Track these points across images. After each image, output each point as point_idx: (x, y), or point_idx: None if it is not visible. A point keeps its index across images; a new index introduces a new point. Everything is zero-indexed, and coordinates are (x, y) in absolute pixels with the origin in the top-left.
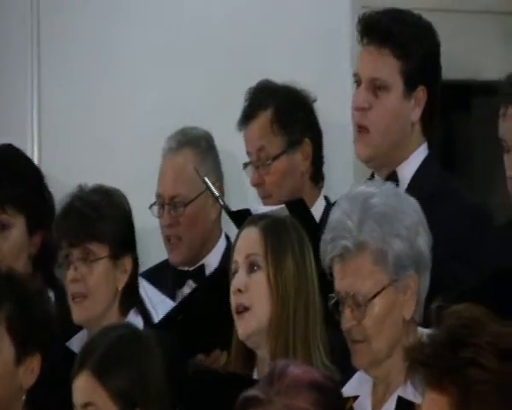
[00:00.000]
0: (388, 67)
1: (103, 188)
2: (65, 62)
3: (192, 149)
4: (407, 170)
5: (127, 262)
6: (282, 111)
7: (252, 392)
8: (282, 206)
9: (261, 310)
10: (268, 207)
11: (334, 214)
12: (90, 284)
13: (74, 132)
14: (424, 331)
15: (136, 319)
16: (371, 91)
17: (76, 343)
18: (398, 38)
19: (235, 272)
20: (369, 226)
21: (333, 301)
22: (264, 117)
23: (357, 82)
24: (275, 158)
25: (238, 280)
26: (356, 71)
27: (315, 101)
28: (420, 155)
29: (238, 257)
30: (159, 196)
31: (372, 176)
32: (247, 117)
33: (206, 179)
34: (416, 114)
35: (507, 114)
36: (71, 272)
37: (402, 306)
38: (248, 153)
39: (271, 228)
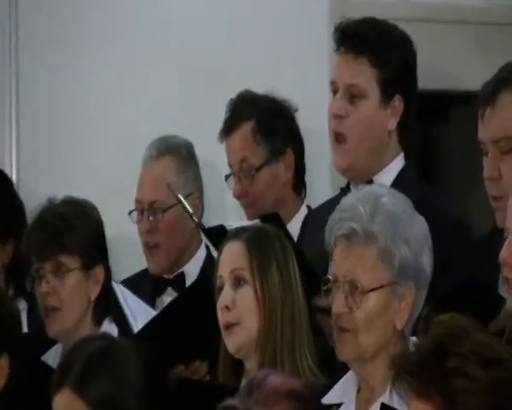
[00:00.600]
0: (365, 75)
1: (73, 199)
2: (43, 71)
3: (173, 156)
4: (384, 180)
5: (99, 272)
6: (264, 122)
7: (230, 402)
8: (257, 221)
9: (250, 324)
10: (242, 222)
11: (347, 200)
12: (62, 296)
13: (52, 142)
14: (413, 340)
15: (110, 328)
16: (348, 99)
17: (51, 357)
18: (375, 47)
19: (221, 287)
20: (381, 220)
21: (326, 287)
22: (246, 128)
23: (334, 90)
24: (258, 169)
25: (225, 297)
26: (333, 79)
27: (296, 110)
28: (397, 165)
29: (223, 272)
30: (138, 201)
31: (348, 186)
32: (228, 128)
33: (180, 196)
34: (393, 123)
35: (483, 117)
36: (43, 286)
37: (395, 313)
38: (230, 164)
39: (255, 240)
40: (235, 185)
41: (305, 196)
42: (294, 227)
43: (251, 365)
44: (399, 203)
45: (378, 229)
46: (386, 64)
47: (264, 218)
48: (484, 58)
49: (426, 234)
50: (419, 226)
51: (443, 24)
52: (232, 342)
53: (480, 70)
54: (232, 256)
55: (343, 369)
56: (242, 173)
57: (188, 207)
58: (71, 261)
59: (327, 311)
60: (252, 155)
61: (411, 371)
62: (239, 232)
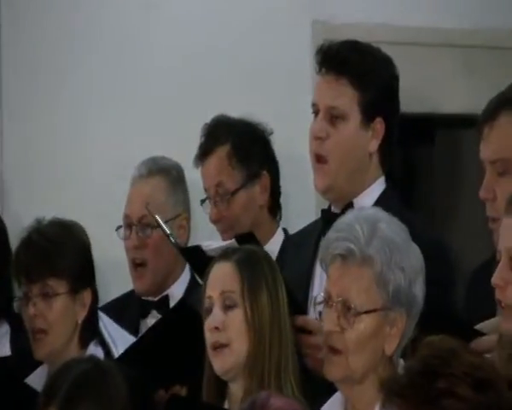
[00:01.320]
0: (346, 97)
1: (61, 221)
2: (25, 94)
3: (163, 177)
4: (364, 203)
5: (86, 296)
6: (240, 146)
7: None
8: (233, 240)
9: (239, 347)
10: (219, 243)
11: (344, 219)
12: (49, 319)
13: (38, 164)
14: (401, 362)
15: (96, 350)
16: (329, 121)
17: (35, 379)
18: (357, 69)
19: (210, 307)
20: (377, 244)
21: (318, 302)
22: (222, 152)
23: (315, 112)
24: (233, 193)
25: (215, 318)
26: (314, 100)
27: (271, 133)
28: (378, 187)
29: (212, 293)
30: (126, 216)
31: (329, 208)
32: (203, 153)
33: (157, 217)
34: (374, 145)
35: (483, 136)
36: (30, 309)
37: (385, 338)
38: (206, 189)
39: (245, 262)
40: (211, 210)
41: (280, 218)
42: (271, 250)
43: (237, 387)
44: (397, 230)
45: (375, 252)
46: (367, 86)
47: (240, 238)
48: (468, 81)
49: (421, 264)
50: (415, 255)
51: (427, 47)
52: (220, 364)
53: (464, 93)
54: (222, 277)
55: (319, 390)
56: (218, 198)
57: (165, 227)
58: (59, 285)
59: (304, 331)
60: (227, 180)
61: (401, 393)
62: (229, 253)
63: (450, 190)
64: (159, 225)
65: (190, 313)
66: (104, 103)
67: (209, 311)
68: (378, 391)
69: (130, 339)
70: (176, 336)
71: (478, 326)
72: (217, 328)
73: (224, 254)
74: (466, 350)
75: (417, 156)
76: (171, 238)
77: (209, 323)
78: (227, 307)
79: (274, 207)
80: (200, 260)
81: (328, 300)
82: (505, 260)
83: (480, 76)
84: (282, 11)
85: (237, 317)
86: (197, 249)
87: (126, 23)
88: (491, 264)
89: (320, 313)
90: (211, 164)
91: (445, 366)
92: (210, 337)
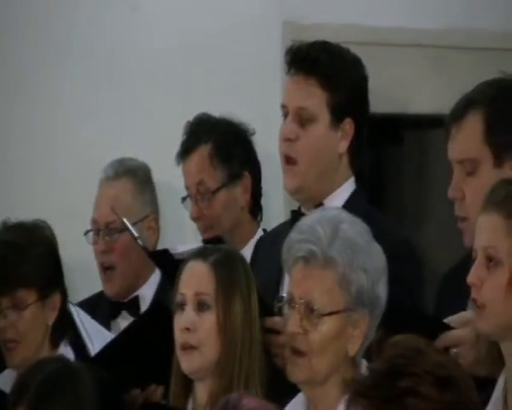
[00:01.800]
0: (315, 98)
1: (24, 225)
2: (0, 90)
3: (130, 178)
4: (334, 204)
5: (56, 299)
6: (222, 145)
7: None
8: (201, 245)
9: (208, 350)
10: (189, 246)
11: (306, 220)
12: (21, 330)
13: (6, 165)
14: (364, 363)
15: (66, 350)
16: (298, 122)
17: (2, 381)
18: (325, 69)
19: (182, 303)
20: (340, 246)
21: (280, 304)
22: (204, 151)
23: (285, 113)
24: (214, 192)
25: (186, 319)
26: (283, 102)
27: (253, 134)
28: (347, 188)
29: (186, 291)
30: (94, 221)
31: (299, 208)
32: (186, 151)
33: (125, 220)
34: (343, 146)
35: (450, 136)
36: (1, 320)
37: (348, 339)
38: (187, 187)
39: (221, 265)
40: (192, 208)
41: (261, 219)
42: (250, 251)
43: (203, 388)
44: (360, 231)
45: (337, 254)
46: (336, 87)
47: (208, 242)
48: (436, 81)
49: (384, 265)
50: (377, 256)
51: (395, 47)
52: (188, 364)
53: (432, 93)
54: (198, 278)
55: (288, 389)
56: (199, 196)
57: (132, 230)
58: (28, 295)
59: (273, 331)
60: (209, 178)
61: (365, 393)
62: (206, 253)
63: (419, 190)
64: (127, 229)
65: (165, 312)
66: (81, 103)
67: (181, 307)
68: (341, 392)
69: (106, 334)
70: (151, 336)
71: (446, 320)
72: (188, 329)
73: (201, 252)
74: (431, 349)
75: (386, 156)
76: (139, 241)
77: (180, 322)
78: (200, 309)
79: (255, 208)
80: (168, 264)
81: (290, 301)
82: (481, 258)
83: (448, 76)
84: (253, 12)
85: (209, 320)
86: (165, 253)
87: (108, 24)
88: (461, 268)
89: (279, 309)
90: (192, 162)
91: (408, 366)
92: (180, 337)
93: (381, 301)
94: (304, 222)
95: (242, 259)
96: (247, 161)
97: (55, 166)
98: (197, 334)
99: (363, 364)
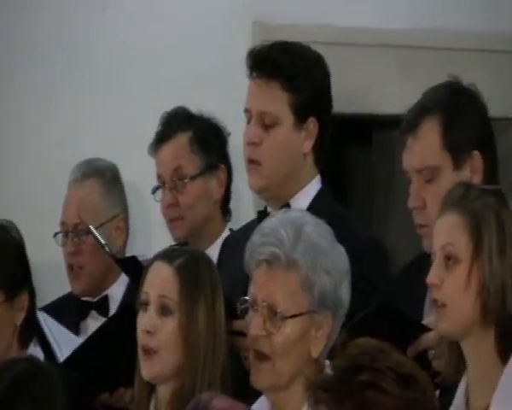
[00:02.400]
0: (277, 101)
1: None
2: None
3: (97, 179)
4: (300, 203)
5: (24, 299)
6: (201, 134)
7: None
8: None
9: (169, 356)
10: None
11: (268, 223)
12: None
13: None
14: (327, 363)
15: (35, 351)
16: (261, 126)
17: None
18: (287, 71)
19: (146, 302)
20: (302, 248)
21: (243, 307)
22: (183, 137)
23: (248, 117)
24: (192, 178)
25: (148, 321)
26: (246, 106)
27: (229, 134)
28: (313, 187)
29: (150, 290)
30: (63, 223)
31: (265, 209)
32: (161, 139)
33: (91, 227)
34: (308, 145)
35: (406, 145)
36: None
37: (311, 341)
38: (160, 175)
39: (186, 270)
40: (165, 195)
41: (229, 220)
42: (217, 250)
43: (165, 389)
44: (322, 233)
45: (300, 257)
46: (298, 88)
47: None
48: (406, 82)
49: (346, 266)
50: (340, 258)
51: (364, 48)
52: (147, 369)
53: (401, 93)
54: (162, 280)
55: (256, 392)
56: (174, 184)
57: (99, 237)
58: None
59: (242, 334)
60: (187, 164)
61: (326, 387)
62: (172, 255)
63: (387, 190)
64: (93, 236)
65: (134, 315)
66: (47, 103)
67: (144, 306)
68: (304, 394)
69: (75, 339)
70: (120, 339)
71: (424, 322)
72: (149, 332)
73: (167, 255)
74: (393, 350)
75: (355, 157)
76: (106, 248)
77: (142, 324)
78: (162, 313)
79: (225, 207)
80: (136, 271)
81: (253, 304)
82: (440, 258)
83: (417, 77)
84: (222, 12)
85: (171, 325)
86: (132, 260)
87: (76, 23)
88: (411, 268)
89: (242, 311)
90: (169, 149)
91: (371, 361)
92: (141, 339)
93: (344, 302)
94: (266, 224)
95: (208, 262)
96: (223, 156)
97: (21, 167)
98: (158, 337)
99: (327, 364)
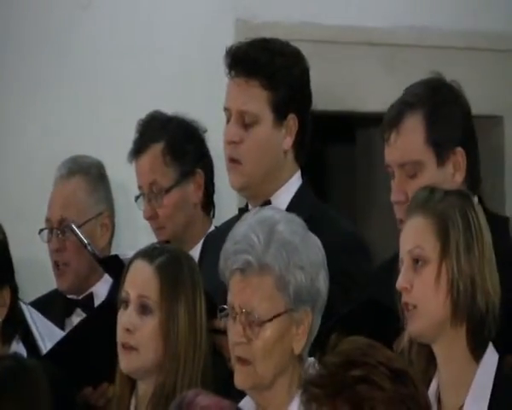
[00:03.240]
0: (256, 99)
1: None
2: None
3: (82, 176)
4: (281, 199)
5: (6, 294)
6: (174, 143)
7: None
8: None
9: (147, 354)
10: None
11: (240, 228)
12: None
13: None
14: (311, 360)
15: (18, 348)
16: (241, 125)
17: None
18: (266, 69)
19: (126, 301)
20: (274, 250)
21: (223, 314)
22: (156, 150)
23: (228, 116)
24: (167, 191)
25: (128, 319)
26: (225, 105)
27: (205, 131)
28: (294, 183)
29: (130, 290)
30: (48, 220)
31: (246, 206)
32: (138, 149)
33: (74, 226)
34: (288, 142)
35: (389, 140)
36: None
37: (292, 338)
38: (140, 186)
39: (166, 269)
40: (145, 207)
41: (213, 216)
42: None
43: (146, 386)
44: (294, 229)
45: (272, 259)
46: (277, 85)
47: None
48: (389, 79)
49: (322, 257)
50: (314, 251)
51: (348, 45)
52: (126, 365)
53: (385, 91)
54: (142, 280)
55: (241, 392)
56: (152, 195)
57: (82, 237)
58: None
59: (225, 333)
60: (162, 178)
61: (318, 382)
62: (152, 254)
63: (370, 187)
64: (75, 235)
65: (116, 310)
66: (36, 100)
67: (124, 304)
68: (288, 392)
69: (59, 333)
70: (103, 334)
71: None
72: (128, 330)
73: (148, 253)
74: (382, 346)
75: (338, 154)
76: (89, 248)
77: (122, 321)
78: (142, 312)
79: (208, 205)
80: (118, 270)
81: (231, 312)
82: (408, 262)
83: (399, 74)
84: (205, 9)
85: (151, 324)
86: (115, 259)
87: (57, 22)
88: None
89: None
90: (145, 161)
91: (362, 356)
92: (121, 336)
93: (322, 294)
94: (238, 230)
95: (189, 261)
96: (200, 158)
97: (4, 164)
98: (137, 336)
99: (312, 362)
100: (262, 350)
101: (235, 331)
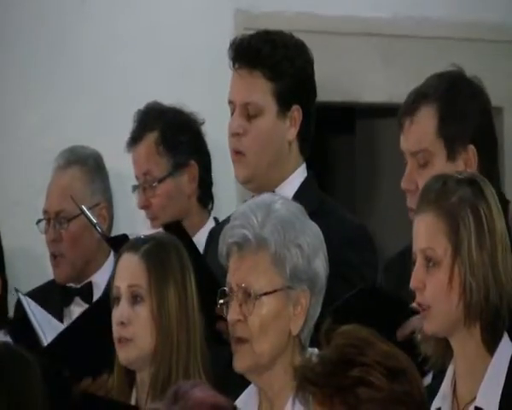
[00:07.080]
0: (260, 91)
1: None
2: None
3: (80, 167)
4: (286, 191)
5: None
6: (168, 133)
7: (155, 406)
8: (160, 230)
9: (143, 342)
10: (148, 231)
11: (239, 209)
12: None
13: None
14: (315, 351)
15: (5, 339)
16: (245, 117)
17: None
18: (269, 60)
19: (118, 297)
20: (272, 225)
21: (224, 300)
22: (150, 139)
23: (232, 108)
24: (160, 181)
25: (121, 313)
26: (229, 98)
27: (203, 123)
28: (299, 175)
29: (120, 284)
30: (45, 211)
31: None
32: (134, 139)
33: (83, 207)
34: (292, 133)
35: (403, 128)
36: None
37: (290, 318)
38: (136, 176)
39: (153, 256)
40: (139, 197)
41: (212, 208)
42: (200, 239)
43: (144, 376)
44: (291, 209)
45: (269, 234)
46: (281, 76)
47: (167, 226)
48: (389, 70)
49: (320, 240)
50: (312, 232)
51: (348, 36)
52: (124, 356)
53: (384, 82)
54: (130, 271)
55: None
56: (146, 185)
57: (91, 217)
58: None
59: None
60: (155, 167)
61: (315, 381)
62: (137, 244)
63: (370, 178)
64: (84, 215)
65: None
66: (29, 91)
67: (117, 301)
68: (289, 377)
69: (58, 324)
70: (102, 325)
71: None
72: (122, 323)
73: (133, 244)
74: (378, 339)
75: (338, 145)
76: (98, 228)
77: (116, 316)
78: (134, 301)
79: (204, 197)
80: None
81: (230, 292)
82: (421, 261)
83: (400, 65)
84: (204, 0)
85: (143, 312)
86: (124, 239)
87: (56, 13)
88: (399, 259)
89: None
90: (140, 151)
91: (359, 355)
92: (116, 331)
93: (321, 277)
94: (237, 210)
95: (176, 246)
96: (195, 150)
97: (2, 155)
98: (132, 327)
99: (311, 352)
100: (258, 327)
101: (232, 309)
